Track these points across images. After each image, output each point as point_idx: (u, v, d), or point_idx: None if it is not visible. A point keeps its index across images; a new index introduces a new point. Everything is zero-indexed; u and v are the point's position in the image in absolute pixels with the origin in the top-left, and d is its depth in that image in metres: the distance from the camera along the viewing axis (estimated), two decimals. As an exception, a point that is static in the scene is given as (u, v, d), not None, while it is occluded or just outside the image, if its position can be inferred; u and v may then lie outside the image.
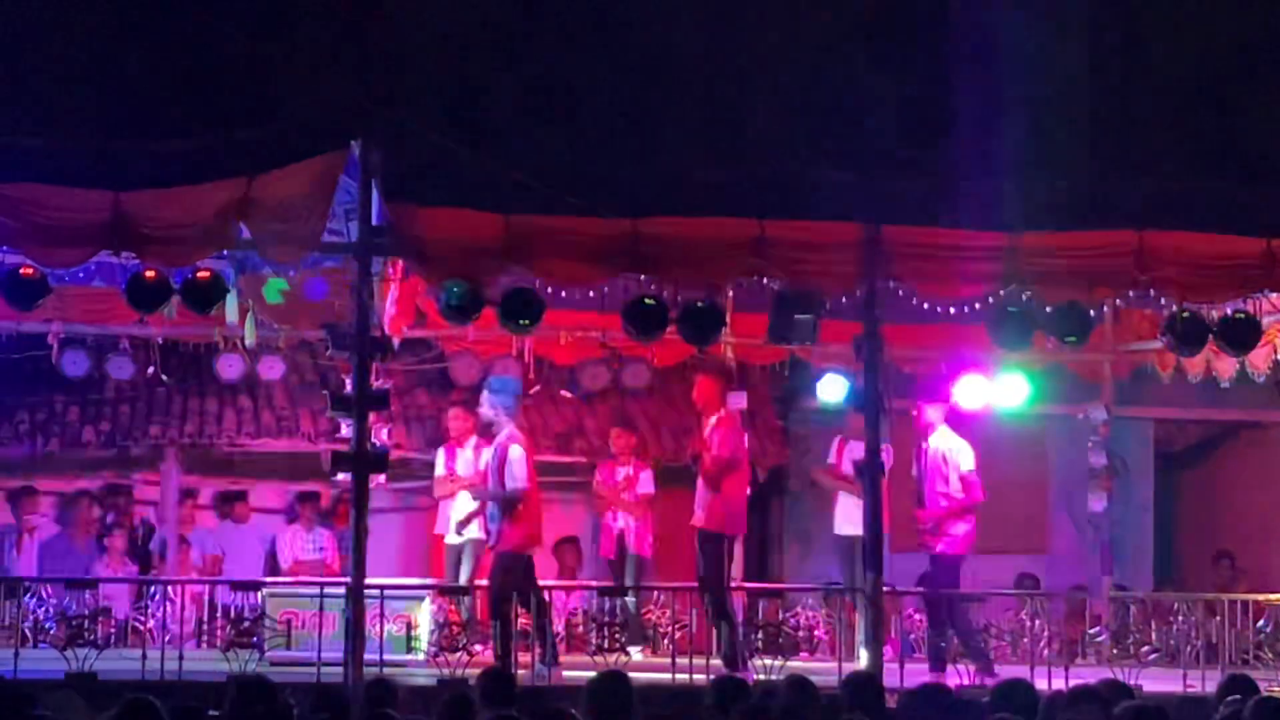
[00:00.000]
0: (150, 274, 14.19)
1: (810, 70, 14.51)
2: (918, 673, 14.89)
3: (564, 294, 15.10)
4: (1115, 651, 16.40)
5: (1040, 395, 18.02)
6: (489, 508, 16.00)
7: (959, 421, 16.42)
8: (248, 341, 17.35)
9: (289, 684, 10.70)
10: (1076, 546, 20.30)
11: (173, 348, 18.21)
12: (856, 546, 15.87)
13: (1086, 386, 19.09)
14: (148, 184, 13.70)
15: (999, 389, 17.61)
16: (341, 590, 14.55)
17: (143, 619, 16.86)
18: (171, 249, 14.00)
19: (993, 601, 16.90)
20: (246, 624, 15.88)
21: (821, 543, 18.26)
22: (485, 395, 16.11)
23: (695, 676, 14.74)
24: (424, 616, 16.29)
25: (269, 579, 18.11)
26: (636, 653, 16.34)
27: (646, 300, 14.73)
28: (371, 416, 14.61)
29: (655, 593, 17.62)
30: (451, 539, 17.41)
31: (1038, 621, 16.35)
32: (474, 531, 17.02)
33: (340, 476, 15.46)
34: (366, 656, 14.10)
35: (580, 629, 17.55)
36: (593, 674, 10.45)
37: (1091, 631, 17.22)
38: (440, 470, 17.59)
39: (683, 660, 15.20)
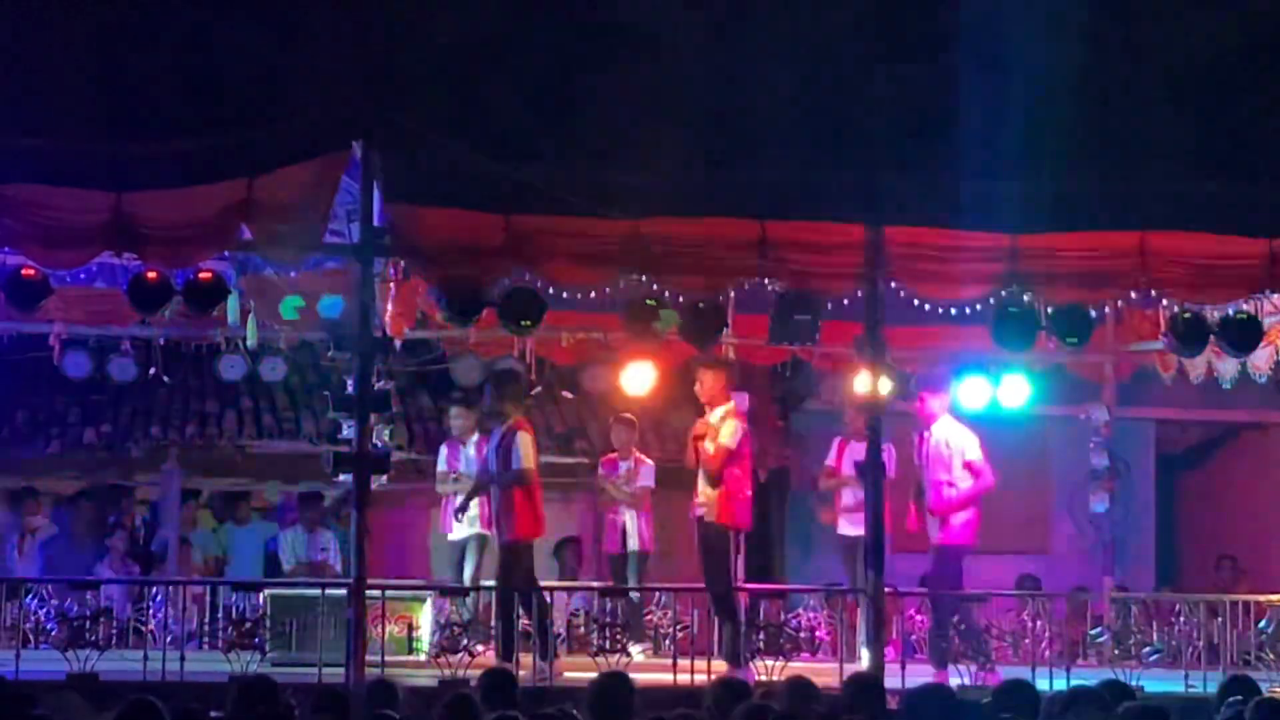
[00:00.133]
0: (152, 275, 14.20)
1: (811, 70, 14.51)
2: (919, 673, 14.88)
3: (565, 295, 15.10)
4: (1116, 652, 16.39)
5: (1042, 396, 18.03)
6: (493, 498, 15.94)
7: (961, 420, 16.42)
8: (249, 342, 17.36)
9: (290, 685, 10.71)
10: (1078, 547, 20.30)
11: (174, 349, 18.21)
12: (858, 547, 15.87)
13: (1088, 387, 19.09)
14: (149, 185, 13.70)
15: (1000, 390, 17.63)
16: (343, 591, 14.54)
17: (144, 620, 16.85)
18: (173, 250, 14.00)
19: (994, 602, 16.89)
20: (248, 625, 15.87)
21: (823, 543, 18.26)
22: (489, 391, 16.10)
23: (697, 677, 14.74)
24: (425, 617, 16.29)
25: (270, 580, 18.12)
26: (638, 653, 16.33)
27: (648, 301, 14.74)
28: (373, 417, 14.61)
29: (657, 594, 17.61)
30: (454, 535, 17.39)
31: (1039, 622, 16.36)
32: (475, 526, 16.97)
33: (342, 478, 15.47)
34: (368, 657, 14.09)
35: (582, 630, 17.54)
36: (594, 674, 10.46)
37: (1093, 632, 17.22)
38: (442, 466, 17.57)
39: (684, 661, 15.19)
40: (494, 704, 9.82)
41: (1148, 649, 16.31)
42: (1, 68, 13.77)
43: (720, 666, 15.12)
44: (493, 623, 15.90)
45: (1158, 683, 14.93)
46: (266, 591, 16.45)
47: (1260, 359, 16.97)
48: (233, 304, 16.08)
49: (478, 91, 14.27)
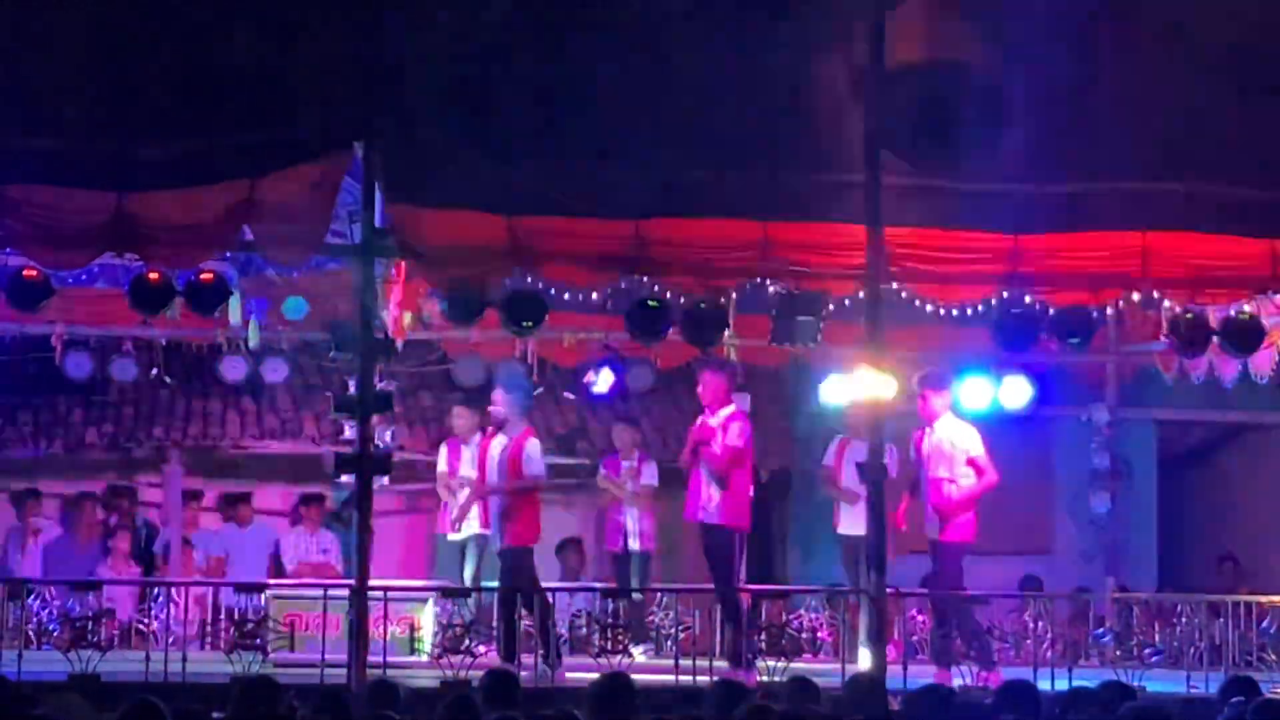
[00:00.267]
0: (154, 276, 14.21)
1: (814, 70, 14.51)
2: (921, 674, 14.87)
3: (567, 296, 15.10)
4: (1118, 653, 16.38)
5: (1043, 397, 18.02)
6: (493, 504, 15.93)
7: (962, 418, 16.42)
8: (251, 343, 17.36)
9: (292, 686, 10.71)
10: (1080, 548, 20.30)
11: (176, 349, 18.21)
12: (860, 547, 15.87)
13: (1090, 388, 19.09)
14: (151, 186, 13.72)
15: (1002, 391, 17.63)
16: (345, 592, 14.55)
17: (146, 621, 16.86)
18: (175, 251, 14.01)
19: (996, 603, 16.88)
20: (250, 626, 15.87)
21: (824, 544, 18.25)
22: (500, 394, 15.98)
23: (699, 678, 14.73)
24: (427, 618, 16.29)
25: (272, 581, 18.12)
26: (640, 654, 16.32)
27: (650, 302, 14.74)
28: (375, 418, 14.61)
29: (659, 594, 17.61)
30: (454, 535, 17.35)
31: (1041, 623, 16.35)
32: (475, 527, 16.93)
33: (344, 478, 15.47)
34: (370, 658, 14.09)
35: (584, 630, 17.54)
36: (596, 676, 10.46)
37: (1095, 633, 17.21)
38: (442, 466, 17.46)
39: (686, 662, 15.19)
40: (496, 705, 9.82)
41: (1149, 650, 16.30)
42: (4, 68, 13.79)
43: (721, 666, 15.12)
44: (494, 623, 15.88)
45: (1160, 683, 14.92)
46: (269, 592, 16.44)
47: (1262, 360, 16.96)
48: (234, 305, 16.08)
49: (479, 93, 14.27)
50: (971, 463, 15.75)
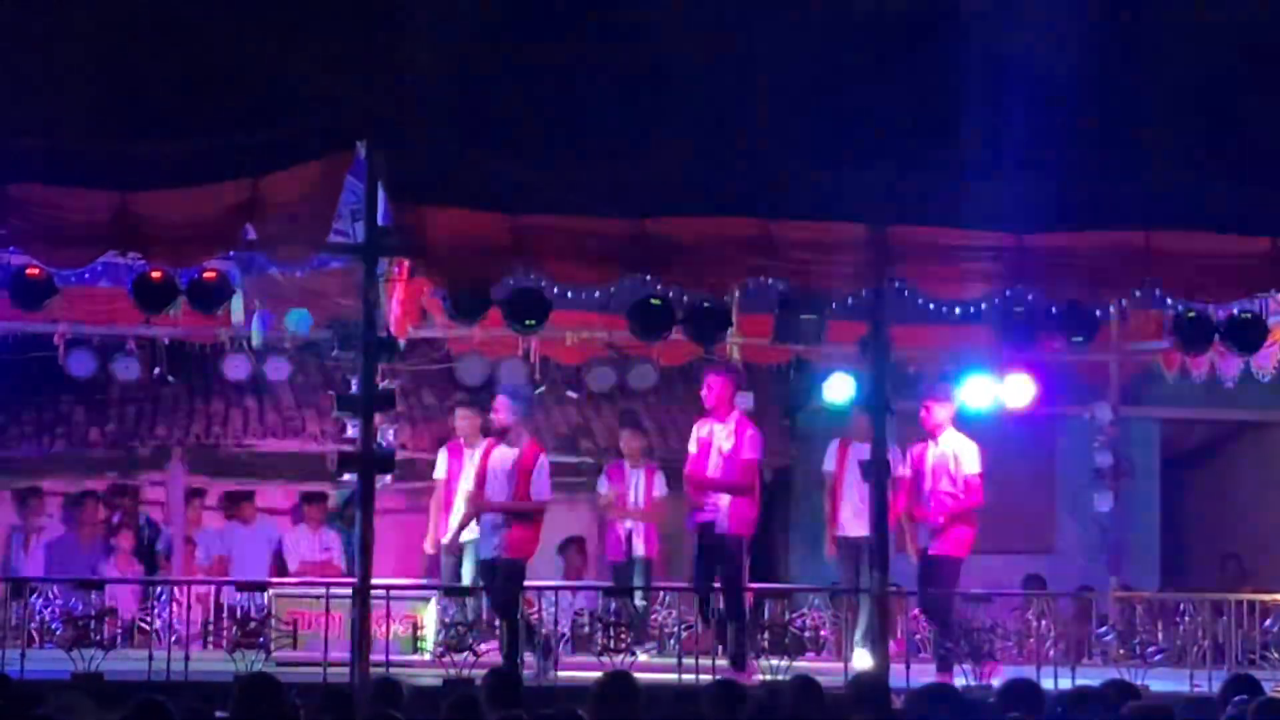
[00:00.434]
0: (156, 274, 14.21)
1: (815, 69, 14.51)
2: (923, 673, 14.87)
3: (570, 294, 15.10)
4: (1121, 652, 16.38)
5: (1046, 395, 18.01)
6: (490, 518, 15.71)
7: (966, 421, 16.40)
8: (254, 342, 17.36)
9: (295, 684, 10.71)
10: (1083, 546, 20.29)
11: (179, 348, 18.21)
12: (863, 548, 15.88)
13: (1092, 387, 19.08)
14: (154, 185, 13.71)
15: (1005, 389, 17.62)
16: (348, 591, 14.55)
17: (149, 619, 16.85)
18: (177, 250, 14.01)
19: (999, 601, 16.88)
20: (253, 624, 15.88)
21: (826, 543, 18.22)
22: (503, 400, 15.83)
23: (701, 677, 14.72)
24: (430, 617, 16.29)
25: (275, 579, 18.12)
26: (642, 653, 16.31)
27: (652, 300, 14.74)
28: (378, 417, 14.60)
29: (662, 594, 17.60)
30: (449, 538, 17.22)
31: (1044, 622, 16.35)
32: (473, 532, 16.76)
33: (346, 477, 15.46)
34: (372, 657, 14.09)
35: (586, 629, 17.53)
36: (599, 675, 10.46)
37: (1098, 632, 17.21)
38: (441, 470, 17.30)
39: (689, 661, 15.18)
40: (498, 704, 9.82)
41: (1152, 648, 16.30)
42: (7, 68, 13.78)
43: (723, 665, 15.12)
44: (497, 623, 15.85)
45: (1162, 682, 14.92)
46: (271, 591, 16.44)
47: (1264, 358, 16.97)
48: (237, 304, 16.09)
49: (482, 91, 14.27)
50: (968, 481, 15.77)
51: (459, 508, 16.57)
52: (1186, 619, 16.62)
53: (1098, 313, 15.59)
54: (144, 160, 13.66)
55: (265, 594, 16.45)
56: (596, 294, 15.36)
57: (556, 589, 16.48)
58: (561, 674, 15.07)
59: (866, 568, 15.58)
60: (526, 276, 14.57)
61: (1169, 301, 15.41)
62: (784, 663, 15.04)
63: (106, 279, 16.24)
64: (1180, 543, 21.95)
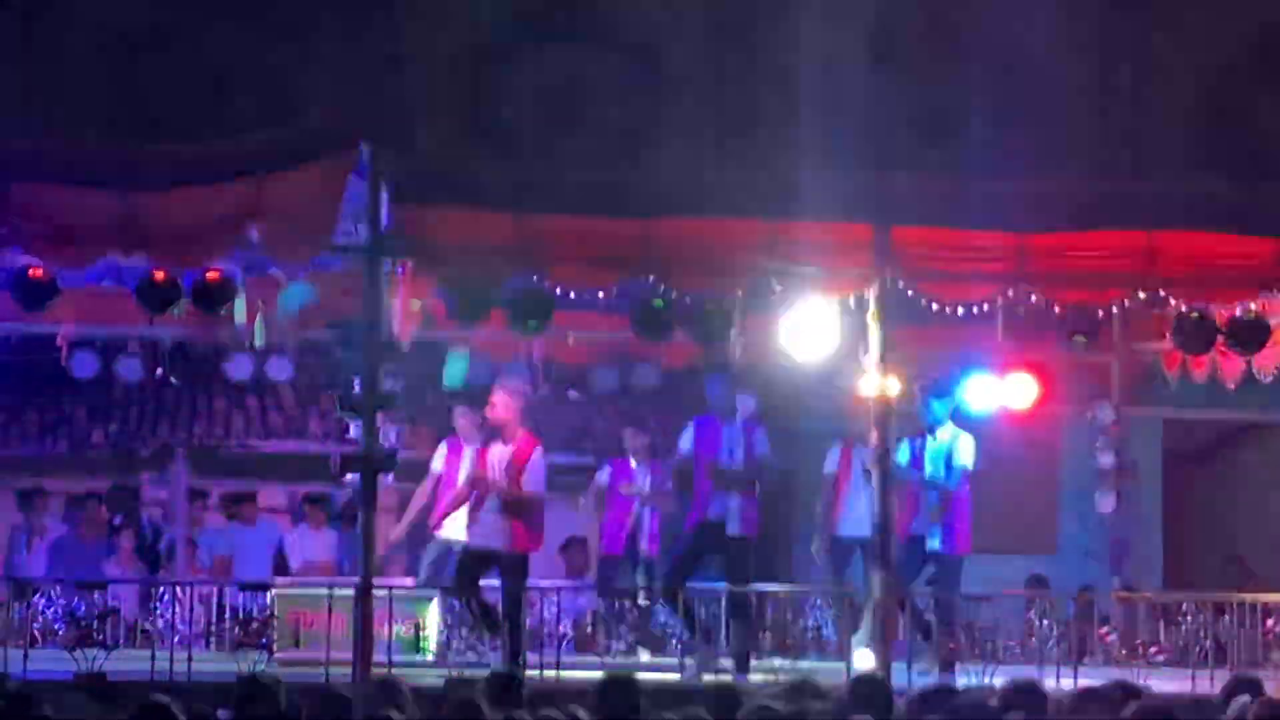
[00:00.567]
0: (159, 275, 14.22)
1: (820, 70, 14.51)
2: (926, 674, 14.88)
3: (573, 295, 15.10)
4: (1124, 652, 16.38)
5: (1049, 396, 18.01)
6: (492, 504, 15.71)
7: (964, 418, 16.42)
8: (256, 342, 17.36)
9: (297, 684, 10.71)
10: (1085, 547, 20.28)
11: (181, 349, 18.21)
12: (853, 550, 15.94)
13: (1095, 387, 19.07)
14: (157, 186, 13.73)
15: (1007, 389, 17.62)
16: (350, 591, 14.55)
17: (151, 620, 16.86)
18: (181, 250, 14.03)
19: (1001, 601, 16.88)
20: (255, 625, 15.89)
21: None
22: (500, 396, 15.84)
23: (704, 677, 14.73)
24: (432, 618, 16.29)
25: (277, 579, 18.13)
26: (644, 653, 16.32)
27: (655, 302, 14.74)
28: (380, 417, 14.60)
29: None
30: (442, 533, 17.17)
31: (1046, 621, 16.35)
32: (456, 530, 16.66)
33: (348, 478, 15.46)
34: (374, 657, 14.09)
35: (589, 629, 17.54)
36: (600, 675, 10.46)
37: (1100, 632, 17.21)
38: (438, 464, 17.25)
39: (690, 661, 15.18)
40: (500, 705, 9.82)
41: (1154, 649, 16.29)
42: (10, 68, 13.80)
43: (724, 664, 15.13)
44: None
45: (1165, 682, 14.91)
46: (273, 591, 16.45)
47: (1266, 359, 16.95)
48: (240, 304, 16.09)
49: (485, 92, 14.28)
50: (965, 475, 15.84)
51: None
52: (1188, 619, 16.61)
53: (1100, 313, 15.58)
54: (147, 161, 13.68)
55: (267, 594, 16.47)
56: (599, 295, 15.36)
57: (559, 589, 16.48)
58: (563, 674, 15.07)
59: (860, 569, 15.63)
60: (529, 278, 14.57)
61: (1172, 302, 15.40)
62: (785, 663, 15.04)
63: (109, 280, 16.25)
64: (1182, 543, 21.94)
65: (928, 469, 15.93)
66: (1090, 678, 13.32)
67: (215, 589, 17.82)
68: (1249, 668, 15.41)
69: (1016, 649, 16.52)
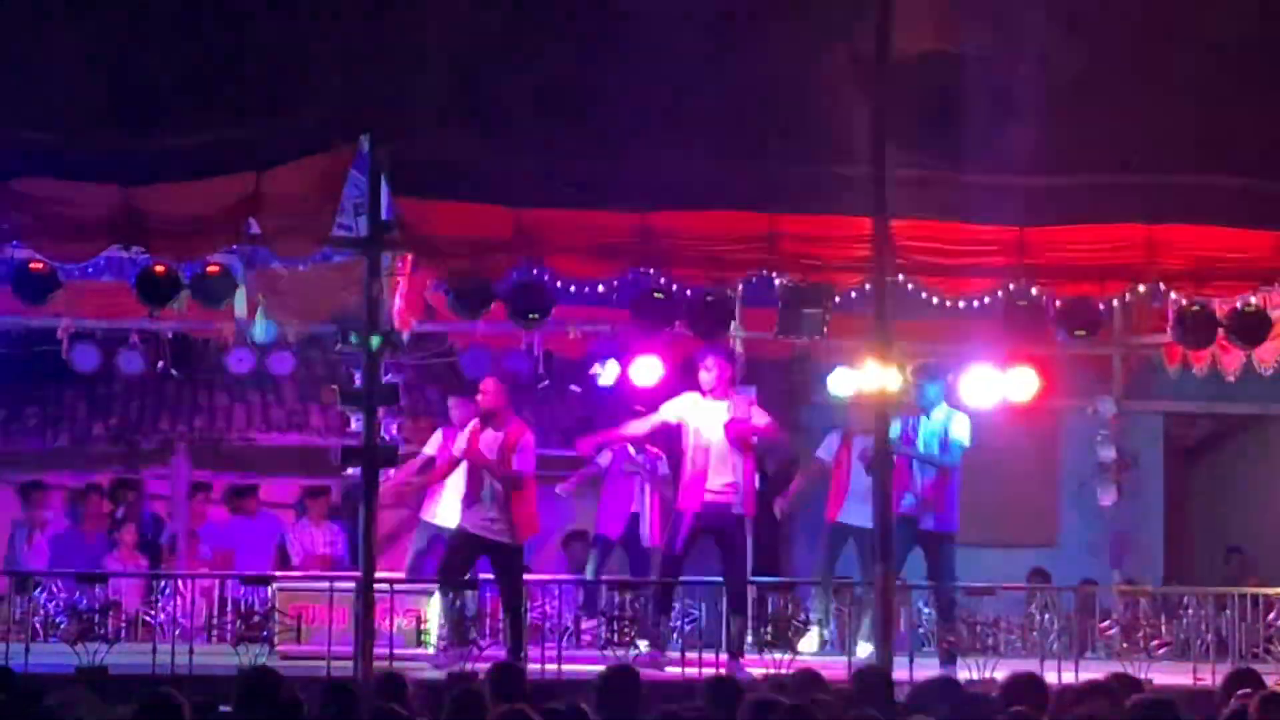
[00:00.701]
0: (160, 269, 14.22)
1: (818, 63, 14.51)
2: (928, 667, 14.88)
3: (573, 288, 15.11)
4: (1125, 645, 16.39)
5: (1050, 389, 18.01)
6: (486, 499, 15.66)
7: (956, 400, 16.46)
8: (257, 336, 17.35)
9: (299, 678, 10.72)
10: (1086, 540, 20.29)
11: (182, 342, 18.21)
12: (847, 538, 15.96)
13: (1096, 380, 19.08)
14: (157, 179, 13.73)
15: (1008, 383, 17.62)
16: (351, 584, 14.56)
17: (153, 613, 16.88)
18: (181, 244, 14.02)
19: (1002, 595, 16.88)
20: (256, 618, 15.89)
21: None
22: (490, 383, 15.80)
23: (705, 670, 14.72)
24: (434, 611, 16.29)
25: (279, 573, 18.13)
26: (646, 646, 16.30)
27: (656, 294, 14.74)
28: (381, 411, 14.61)
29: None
30: (435, 519, 17.16)
31: (1047, 615, 16.35)
32: (449, 519, 16.63)
33: (350, 471, 15.47)
34: (376, 650, 14.10)
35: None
36: (602, 668, 10.47)
37: (1101, 625, 17.21)
38: (431, 448, 17.15)
39: (692, 654, 15.19)
40: (502, 698, 9.83)
41: (1156, 642, 16.30)
42: (10, 62, 13.80)
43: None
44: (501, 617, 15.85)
45: (1166, 676, 14.93)
46: (275, 585, 16.45)
47: (1266, 352, 16.94)
48: (240, 298, 16.09)
49: (485, 84, 14.28)
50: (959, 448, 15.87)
51: (449, 489, 16.58)
52: (1190, 613, 16.62)
53: (1101, 306, 15.58)
54: (147, 154, 13.68)
55: (269, 588, 16.47)
56: (600, 288, 15.36)
57: (562, 583, 16.48)
58: (565, 668, 15.08)
59: (853, 558, 15.68)
60: (530, 270, 14.58)
61: (1172, 295, 15.40)
62: (787, 656, 15.05)
63: (110, 273, 16.25)
64: (1183, 536, 21.95)
65: (920, 448, 15.91)
66: (1091, 671, 13.33)
67: (216, 582, 17.83)
68: (1250, 661, 15.42)
69: (1018, 642, 16.55)
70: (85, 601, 15.91)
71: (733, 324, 15.95)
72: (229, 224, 14.01)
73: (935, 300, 15.29)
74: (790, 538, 21.11)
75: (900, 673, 13.39)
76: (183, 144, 13.72)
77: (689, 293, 14.80)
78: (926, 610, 16.35)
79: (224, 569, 19.21)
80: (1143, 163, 14.66)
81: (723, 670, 13.97)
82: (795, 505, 17.68)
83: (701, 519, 15.56)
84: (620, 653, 15.06)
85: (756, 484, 15.93)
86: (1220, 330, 15.39)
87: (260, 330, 17.13)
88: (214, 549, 19.80)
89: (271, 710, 9.45)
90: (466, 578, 15.94)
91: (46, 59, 13.79)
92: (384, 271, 14.66)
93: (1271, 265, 14.80)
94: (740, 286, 15.75)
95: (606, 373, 18.11)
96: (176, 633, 15.20)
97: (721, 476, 15.55)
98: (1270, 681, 10.63)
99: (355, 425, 14.90)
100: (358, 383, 14.37)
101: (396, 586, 15.66)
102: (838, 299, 15.11)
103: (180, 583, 16.94)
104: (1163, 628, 16.78)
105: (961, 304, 15.46)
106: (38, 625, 15.72)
